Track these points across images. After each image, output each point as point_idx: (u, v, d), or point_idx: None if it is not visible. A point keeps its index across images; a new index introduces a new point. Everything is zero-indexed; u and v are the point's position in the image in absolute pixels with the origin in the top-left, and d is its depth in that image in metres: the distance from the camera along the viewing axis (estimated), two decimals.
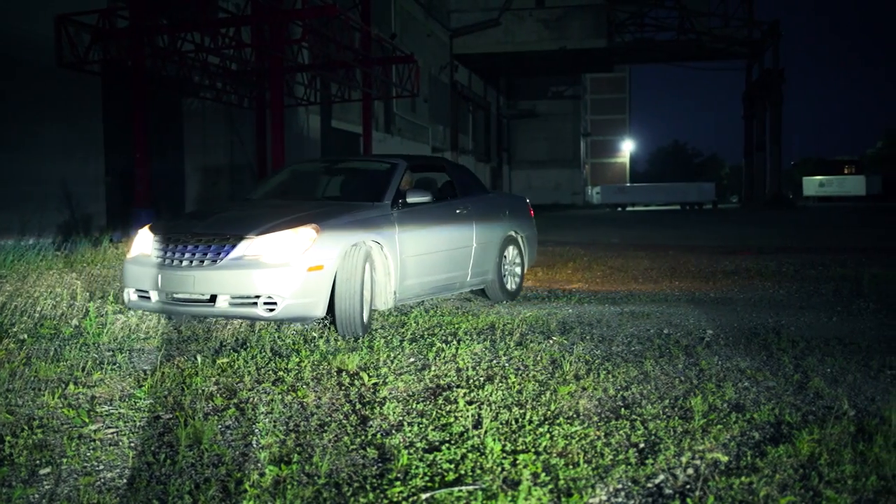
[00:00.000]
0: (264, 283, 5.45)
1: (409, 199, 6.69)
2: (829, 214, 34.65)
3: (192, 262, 5.65)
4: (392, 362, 4.92)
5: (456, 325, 6.22)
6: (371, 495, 2.79)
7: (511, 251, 8.19)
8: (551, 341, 5.60)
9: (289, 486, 2.87)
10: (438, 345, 5.42)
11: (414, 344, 5.51)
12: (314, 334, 5.90)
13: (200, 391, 4.24)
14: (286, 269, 5.49)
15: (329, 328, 6.05)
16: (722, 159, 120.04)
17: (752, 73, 46.05)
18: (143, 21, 15.51)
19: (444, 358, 5.03)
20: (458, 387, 4.29)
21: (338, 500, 2.78)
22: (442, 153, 41.55)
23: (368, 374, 4.56)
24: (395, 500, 2.76)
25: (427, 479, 2.93)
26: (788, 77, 46.12)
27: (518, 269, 8.33)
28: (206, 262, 5.60)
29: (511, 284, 8.17)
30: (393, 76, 26.02)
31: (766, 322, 6.43)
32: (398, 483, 2.89)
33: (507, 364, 4.87)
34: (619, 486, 2.88)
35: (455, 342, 5.51)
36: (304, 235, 5.67)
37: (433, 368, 4.74)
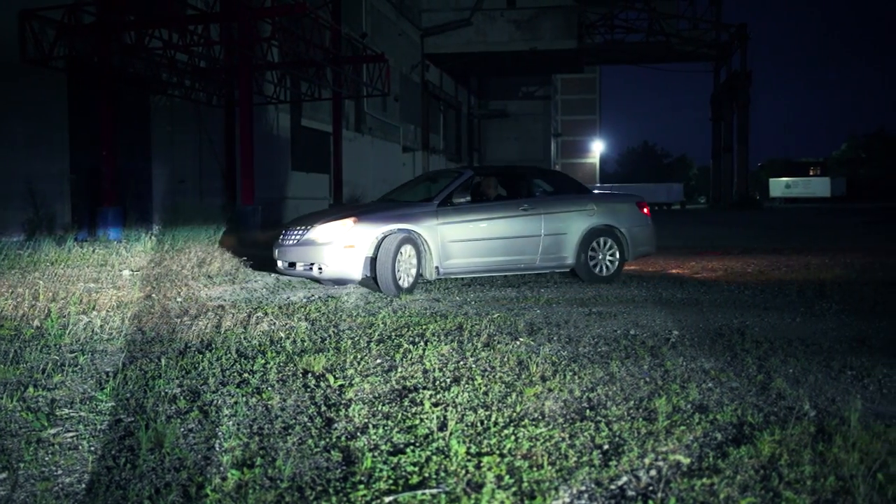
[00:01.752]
0: (317, 255, 8.59)
1: (454, 200, 9.13)
2: (795, 215, 35.05)
3: (289, 241, 8.99)
4: (359, 363, 4.90)
5: (424, 326, 6.21)
6: (334, 499, 2.77)
7: (604, 242, 9.83)
8: (518, 342, 5.61)
9: (251, 491, 2.84)
10: (406, 346, 5.41)
11: (381, 345, 5.49)
12: (281, 335, 5.86)
13: (163, 393, 4.20)
14: (329, 246, 8.54)
15: (297, 330, 6.03)
16: (691, 160, 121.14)
17: (720, 75, 46.52)
18: (109, 17, 15.32)
19: (411, 359, 5.02)
20: (424, 388, 4.28)
21: None
22: (413, 152, 41.51)
23: (334, 376, 4.54)
24: (357, 503, 2.74)
25: (391, 482, 2.92)
26: (755, 79, 46.64)
27: (614, 258, 9.86)
28: (293, 242, 8.91)
29: (603, 270, 9.83)
30: (364, 75, 25.94)
31: (731, 323, 6.49)
32: (362, 486, 2.87)
33: (473, 365, 4.87)
34: (583, 488, 2.88)
35: (423, 343, 5.50)
36: (344, 225, 8.62)
37: (400, 370, 4.72)
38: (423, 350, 5.25)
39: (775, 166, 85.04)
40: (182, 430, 3.60)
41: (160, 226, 16.16)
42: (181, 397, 4.14)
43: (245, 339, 5.74)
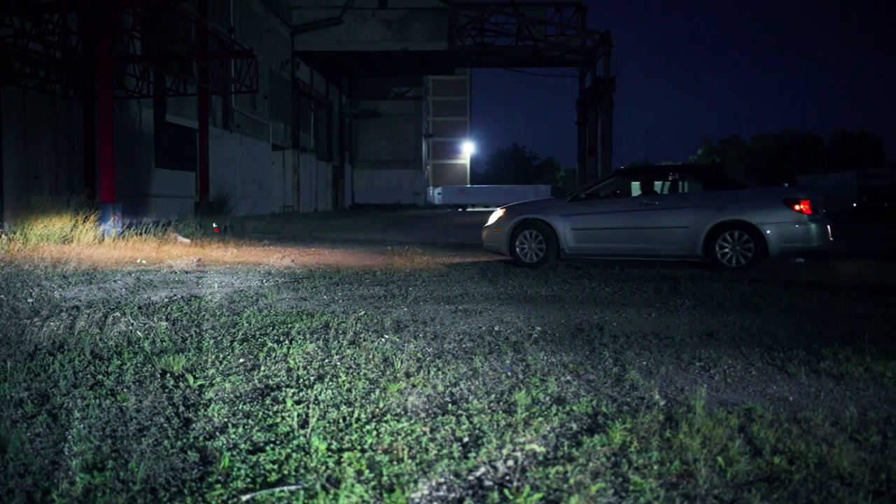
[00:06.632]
0: (484, 235, 12.29)
1: (579, 195, 11.73)
2: None
3: None
4: (220, 363, 4.80)
5: (290, 325, 6.14)
6: (189, 499, 2.71)
7: (738, 235, 10.62)
8: (384, 339, 5.63)
9: (100, 494, 2.74)
10: (270, 344, 5.34)
11: (245, 344, 5.40)
12: (139, 335, 5.67)
13: (8, 398, 3.98)
14: (488, 228, 12.10)
15: (156, 330, 5.86)
16: (558, 163, 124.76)
17: (586, 80, 47.87)
18: None
19: (274, 358, 4.96)
20: (287, 386, 4.23)
21: None
22: (283, 151, 40.92)
23: (195, 376, 4.43)
24: (213, 503, 2.69)
25: (249, 480, 2.88)
26: (619, 85, 48.17)
27: (746, 251, 10.57)
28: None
29: (734, 262, 10.60)
30: (231, 71, 25.39)
31: (591, 319, 6.71)
32: (218, 486, 2.82)
33: (338, 363, 4.85)
34: (442, 480, 2.93)
35: (287, 342, 5.44)
36: (497, 212, 12.16)
37: (263, 368, 4.66)
38: (288, 348, 5.20)
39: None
40: (28, 434, 3.43)
41: (12, 223, 15.32)
42: (28, 401, 3.94)
43: (101, 339, 5.51)
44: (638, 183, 12.50)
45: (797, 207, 10.65)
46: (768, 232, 10.51)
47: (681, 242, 10.90)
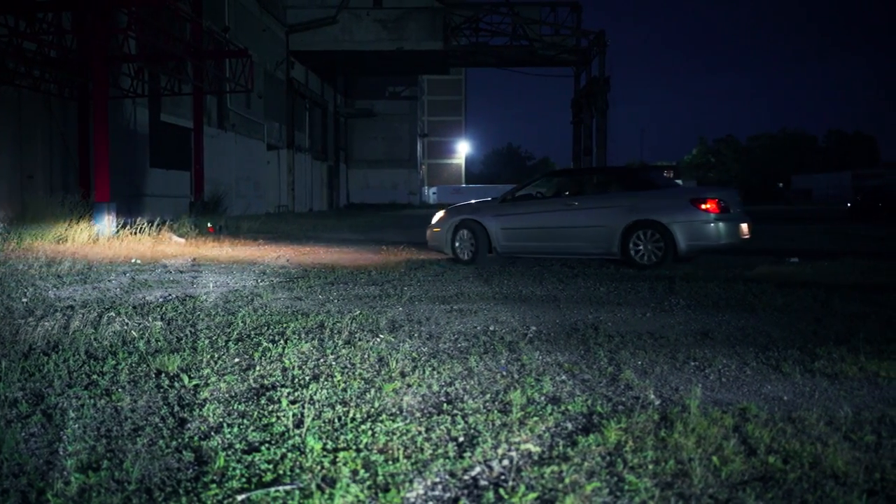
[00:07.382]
0: (428, 234, 12.79)
1: (511, 197, 12.27)
2: None
3: None
4: (215, 363, 4.79)
5: (285, 325, 6.13)
6: (184, 499, 2.71)
7: (651, 234, 10.88)
8: (379, 339, 5.63)
9: (95, 494, 2.74)
10: (265, 344, 5.34)
11: (240, 344, 5.39)
12: (134, 334, 5.66)
13: (3, 398, 3.98)
14: (431, 229, 12.62)
15: (151, 329, 5.85)
16: (553, 162, 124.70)
17: (581, 79, 47.88)
18: None
19: (269, 357, 4.96)
20: (282, 386, 4.23)
21: None
22: (277, 150, 40.88)
23: (189, 376, 4.43)
24: (209, 503, 2.69)
25: (244, 480, 2.88)
26: (614, 85, 48.17)
27: (657, 249, 10.84)
28: None
29: (646, 259, 10.91)
30: (226, 70, 25.35)
31: (586, 318, 6.72)
32: (214, 486, 2.82)
33: (334, 363, 4.85)
34: (437, 479, 2.93)
35: (283, 341, 5.44)
36: (440, 213, 12.71)
37: (258, 368, 4.65)
38: (283, 348, 5.20)
39: None
40: (23, 434, 3.42)
41: (6, 223, 15.28)
42: (23, 401, 3.93)
43: (95, 339, 5.50)
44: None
45: (704, 207, 10.85)
46: (676, 231, 10.75)
47: (598, 241, 11.27)
